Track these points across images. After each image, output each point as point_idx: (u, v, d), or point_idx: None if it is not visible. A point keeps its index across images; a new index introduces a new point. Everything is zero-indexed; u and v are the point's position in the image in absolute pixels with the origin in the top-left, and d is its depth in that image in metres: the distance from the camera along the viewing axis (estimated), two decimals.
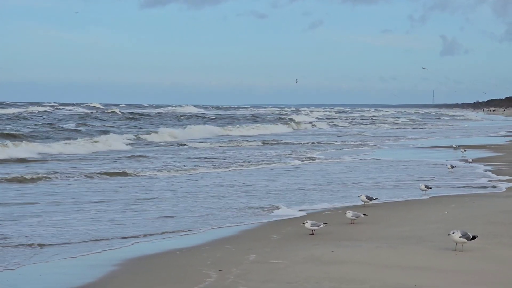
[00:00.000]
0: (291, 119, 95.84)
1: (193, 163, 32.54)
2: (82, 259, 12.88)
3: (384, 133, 70.52)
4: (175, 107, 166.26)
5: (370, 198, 19.03)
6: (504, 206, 18.69)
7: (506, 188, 23.35)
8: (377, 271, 11.41)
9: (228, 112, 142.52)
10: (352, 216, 16.24)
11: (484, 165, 31.74)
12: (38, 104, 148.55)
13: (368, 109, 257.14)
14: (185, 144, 46.75)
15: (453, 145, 44.37)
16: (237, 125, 76.11)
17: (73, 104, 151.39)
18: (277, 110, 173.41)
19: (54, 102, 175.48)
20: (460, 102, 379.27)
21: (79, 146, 41.19)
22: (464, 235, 12.81)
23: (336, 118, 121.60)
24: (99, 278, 11.51)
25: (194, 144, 47.16)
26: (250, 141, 52.10)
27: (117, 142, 45.21)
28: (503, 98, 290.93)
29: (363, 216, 16.28)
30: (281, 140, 53.86)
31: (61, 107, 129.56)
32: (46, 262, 12.61)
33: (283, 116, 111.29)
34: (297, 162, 33.86)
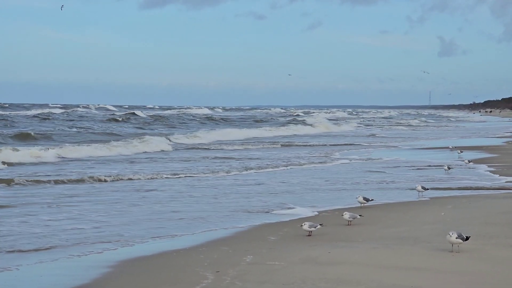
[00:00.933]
0: (313, 121, 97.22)
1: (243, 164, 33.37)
2: (78, 260, 12.87)
3: (412, 133, 73.54)
4: (189, 108, 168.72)
5: (367, 199, 19.12)
6: (501, 207, 18.73)
7: (503, 189, 23.39)
8: (374, 272, 11.43)
9: (238, 114, 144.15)
10: (349, 217, 16.27)
11: (481, 165, 31.81)
12: (46, 105, 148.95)
13: (369, 110, 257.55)
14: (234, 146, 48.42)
15: (450, 146, 44.45)
16: (266, 127, 76.84)
17: (84, 106, 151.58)
18: (283, 111, 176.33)
19: (52, 104, 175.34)
20: (457, 103, 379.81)
21: (132, 147, 43.01)
22: (459, 236, 12.85)
23: (350, 118, 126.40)
24: (94, 279, 11.50)
25: (247, 145, 48.94)
26: (299, 143, 53.24)
27: (162, 143, 46.93)
28: (500, 99, 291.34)
29: (359, 217, 16.32)
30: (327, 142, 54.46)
31: (76, 108, 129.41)
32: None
33: (300, 118, 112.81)
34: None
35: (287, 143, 52.17)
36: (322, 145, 50.60)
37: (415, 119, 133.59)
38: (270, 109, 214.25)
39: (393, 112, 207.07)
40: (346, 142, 53.52)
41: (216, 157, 37.42)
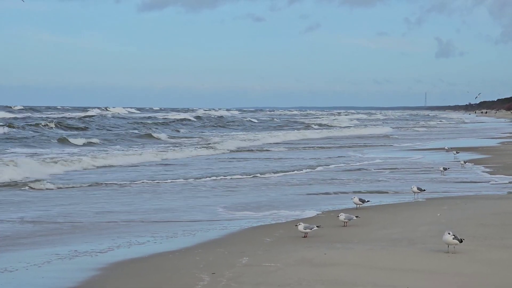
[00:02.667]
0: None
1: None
2: (72, 262, 12.84)
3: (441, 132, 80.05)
4: (218, 110, 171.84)
5: (363, 201, 19.15)
6: (496, 208, 18.76)
7: (500, 191, 23.43)
8: (369, 273, 11.44)
9: (257, 115, 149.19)
10: (344, 219, 16.28)
11: (478, 166, 31.85)
12: (53, 108, 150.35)
13: (368, 111, 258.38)
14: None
15: (446, 147, 44.49)
16: (307, 129, 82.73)
17: (104, 109, 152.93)
18: (296, 113, 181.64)
19: (53, 106, 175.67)
20: (453, 104, 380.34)
21: (205, 150, 45.72)
22: (456, 237, 12.86)
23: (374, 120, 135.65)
24: (86, 281, 11.47)
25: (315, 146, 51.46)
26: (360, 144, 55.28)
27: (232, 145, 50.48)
28: (495, 100, 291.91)
29: (355, 218, 16.32)
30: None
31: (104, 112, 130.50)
32: None
33: (328, 119, 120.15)
34: None
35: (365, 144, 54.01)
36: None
37: (430, 120, 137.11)
38: (274, 111, 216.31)
39: (397, 113, 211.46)
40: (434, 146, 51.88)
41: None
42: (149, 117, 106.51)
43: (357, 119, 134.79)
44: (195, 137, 62.55)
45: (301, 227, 14.93)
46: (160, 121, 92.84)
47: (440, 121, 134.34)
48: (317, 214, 18.52)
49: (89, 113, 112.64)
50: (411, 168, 32.20)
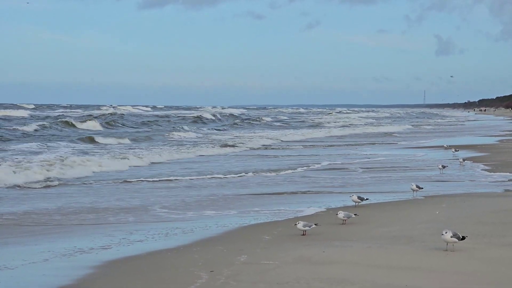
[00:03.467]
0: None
1: None
2: (69, 260, 12.82)
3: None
4: (227, 108, 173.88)
5: (362, 199, 19.08)
6: (495, 206, 18.74)
7: (498, 188, 23.42)
8: (368, 271, 11.42)
9: (263, 112, 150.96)
10: (343, 217, 16.26)
11: (477, 164, 31.85)
12: (58, 106, 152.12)
13: (367, 109, 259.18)
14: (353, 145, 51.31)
15: (445, 145, 44.51)
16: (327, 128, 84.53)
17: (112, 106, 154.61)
18: (306, 111, 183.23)
19: (53, 104, 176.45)
20: (451, 102, 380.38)
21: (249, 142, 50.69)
22: (455, 235, 12.84)
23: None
24: (82, 279, 11.45)
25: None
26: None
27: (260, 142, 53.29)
28: (494, 97, 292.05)
29: (354, 216, 16.30)
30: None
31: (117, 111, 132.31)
32: None
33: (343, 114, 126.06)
34: None
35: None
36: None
37: (443, 118, 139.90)
38: (277, 109, 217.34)
39: (397, 111, 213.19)
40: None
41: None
42: (166, 116, 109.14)
43: (369, 118, 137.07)
44: (227, 135, 64.54)
45: (300, 225, 14.92)
46: (179, 119, 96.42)
47: (449, 119, 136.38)
48: (316, 212, 18.51)
49: (104, 111, 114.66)
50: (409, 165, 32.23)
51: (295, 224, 15.02)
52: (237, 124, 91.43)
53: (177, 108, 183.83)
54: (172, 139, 56.64)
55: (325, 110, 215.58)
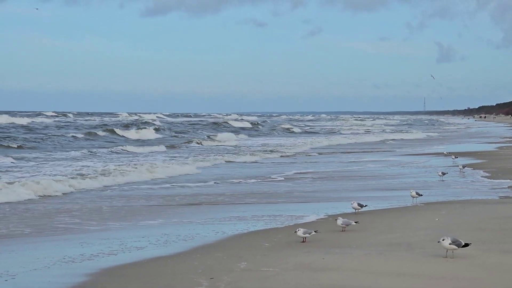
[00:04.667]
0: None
1: None
2: (67, 267, 12.82)
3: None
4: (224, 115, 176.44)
5: (361, 205, 19.10)
6: (495, 212, 18.75)
7: (498, 195, 23.43)
8: (367, 278, 11.42)
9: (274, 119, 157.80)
10: (342, 224, 16.25)
11: (477, 171, 31.87)
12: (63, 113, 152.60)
13: (371, 117, 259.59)
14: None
15: (444, 152, 44.52)
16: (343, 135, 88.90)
17: (135, 114, 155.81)
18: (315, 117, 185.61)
19: (53, 111, 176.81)
20: (451, 109, 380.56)
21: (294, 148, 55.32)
22: (455, 242, 12.83)
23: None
24: (83, 286, 11.45)
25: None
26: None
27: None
28: (494, 104, 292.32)
29: (354, 223, 16.29)
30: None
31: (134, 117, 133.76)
32: None
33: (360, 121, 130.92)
34: None
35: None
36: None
37: (447, 126, 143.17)
38: (280, 116, 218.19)
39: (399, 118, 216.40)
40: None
41: None
42: (195, 123, 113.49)
43: (382, 125, 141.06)
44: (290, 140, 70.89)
45: (300, 232, 14.91)
46: (217, 126, 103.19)
47: (457, 126, 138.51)
48: (317, 219, 18.52)
49: (127, 118, 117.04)
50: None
51: (295, 231, 15.02)
52: (276, 132, 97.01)
53: (195, 115, 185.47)
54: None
55: (328, 117, 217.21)
